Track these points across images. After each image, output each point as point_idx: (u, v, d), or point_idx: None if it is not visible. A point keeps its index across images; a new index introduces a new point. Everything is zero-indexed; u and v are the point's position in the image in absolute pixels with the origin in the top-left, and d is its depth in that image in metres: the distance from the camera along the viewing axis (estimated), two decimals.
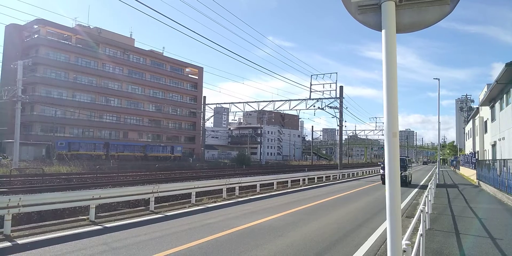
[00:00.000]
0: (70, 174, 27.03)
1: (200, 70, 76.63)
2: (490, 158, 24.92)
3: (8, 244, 6.58)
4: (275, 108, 42.63)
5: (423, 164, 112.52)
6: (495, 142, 23.53)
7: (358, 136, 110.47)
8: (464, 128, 58.98)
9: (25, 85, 41.13)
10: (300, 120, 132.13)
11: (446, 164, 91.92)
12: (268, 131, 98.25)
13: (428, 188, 11.73)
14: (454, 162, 60.52)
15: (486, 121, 28.82)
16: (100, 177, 23.36)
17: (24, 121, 43.61)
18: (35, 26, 53.01)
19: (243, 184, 16.15)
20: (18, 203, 7.52)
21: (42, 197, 8.26)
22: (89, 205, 9.07)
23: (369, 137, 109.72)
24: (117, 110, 61.34)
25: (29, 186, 17.21)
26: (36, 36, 52.83)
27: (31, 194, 8.65)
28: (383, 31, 2.32)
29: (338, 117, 37.52)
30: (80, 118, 54.21)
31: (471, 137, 41.43)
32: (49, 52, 52.59)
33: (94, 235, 7.35)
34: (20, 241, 6.76)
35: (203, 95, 62.78)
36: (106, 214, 10.08)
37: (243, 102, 44.62)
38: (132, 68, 64.10)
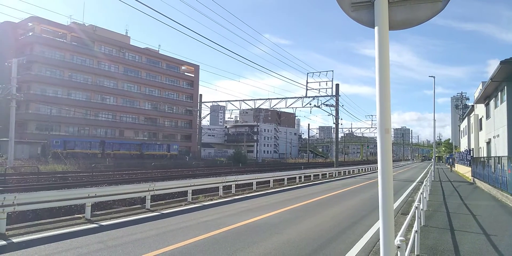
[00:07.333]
0: (66, 172, 26.90)
1: (196, 68, 76.40)
2: (485, 155, 25.07)
3: (3, 242, 6.55)
4: (271, 106, 42.66)
5: (421, 161, 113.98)
6: (489, 139, 23.67)
7: (354, 133, 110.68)
8: (459, 126, 59.26)
9: (20, 83, 40.87)
10: (296, 118, 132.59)
11: (441, 162, 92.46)
12: (265, 129, 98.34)
13: (423, 185, 11.81)
14: (450, 160, 60.86)
15: (481, 119, 28.97)
16: (96, 176, 23.28)
17: (19, 119, 43.27)
18: (30, 24, 52.57)
19: (239, 182, 16.17)
20: (13, 202, 7.49)
21: (37, 196, 8.23)
22: (84, 204, 9.05)
23: (365, 135, 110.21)
24: (113, 108, 61.05)
25: (24, 184, 17.13)
26: (30, 34, 52.40)
27: (26, 193, 8.60)
28: (376, 28, 2.33)
29: (334, 115, 37.59)
30: (76, 116, 53.92)
31: (466, 134, 41.64)
32: (44, 50, 52.17)
33: (90, 234, 7.33)
34: (15, 240, 6.74)
35: (199, 93, 62.76)
36: (102, 212, 10.06)
37: (240, 100, 44.61)
38: (128, 66, 63.78)
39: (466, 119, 41.80)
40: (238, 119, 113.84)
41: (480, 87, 29.03)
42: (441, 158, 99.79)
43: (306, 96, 37.97)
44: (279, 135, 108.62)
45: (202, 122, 55.26)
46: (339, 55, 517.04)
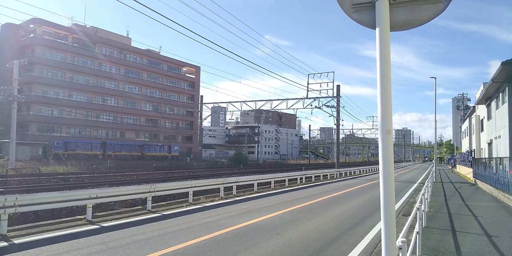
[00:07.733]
0: (67, 173, 26.92)
1: (197, 69, 76.47)
2: (487, 156, 25.02)
3: (5, 244, 6.56)
4: (272, 107, 42.63)
5: (422, 162, 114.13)
6: (491, 140, 23.64)
7: (355, 135, 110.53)
8: (460, 127, 59.19)
9: (21, 84, 40.99)
10: (297, 119, 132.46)
11: (443, 163, 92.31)
12: (266, 130, 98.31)
13: (424, 186, 11.78)
14: (451, 161, 60.75)
15: (482, 120, 28.93)
16: (97, 177, 23.28)
17: (21, 120, 43.41)
18: (31, 26, 52.71)
19: (240, 183, 16.15)
20: (15, 203, 7.50)
21: (38, 197, 8.23)
22: (86, 205, 9.05)
23: (366, 136, 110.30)
24: (114, 109, 61.14)
25: (25, 186, 17.14)
26: (32, 35, 52.53)
27: (28, 194, 8.63)
28: (377, 29, 2.33)
29: (335, 116, 37.56)
30: (77, 117, 54.00)
31: (467, 135, 41.60)
32: (45, 51, 52.32)
33: (91, 235, 7.33)
34: (16, 241, 6.74)
35: (200, 94, 62.81)
36: (103, 213, 10.06)
37: (241, 101, 44.59)
38: (129, 67, 63.88)
39: (467, 120, 41.75)
40: (239, 120, 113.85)
41: (481, 88, 29.02)
42: (442, 159, 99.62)
43: (307, 97, 37.93)
44: (280, 136, 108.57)
45: (203, 123, 55.29)
46: (340, 56, 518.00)
